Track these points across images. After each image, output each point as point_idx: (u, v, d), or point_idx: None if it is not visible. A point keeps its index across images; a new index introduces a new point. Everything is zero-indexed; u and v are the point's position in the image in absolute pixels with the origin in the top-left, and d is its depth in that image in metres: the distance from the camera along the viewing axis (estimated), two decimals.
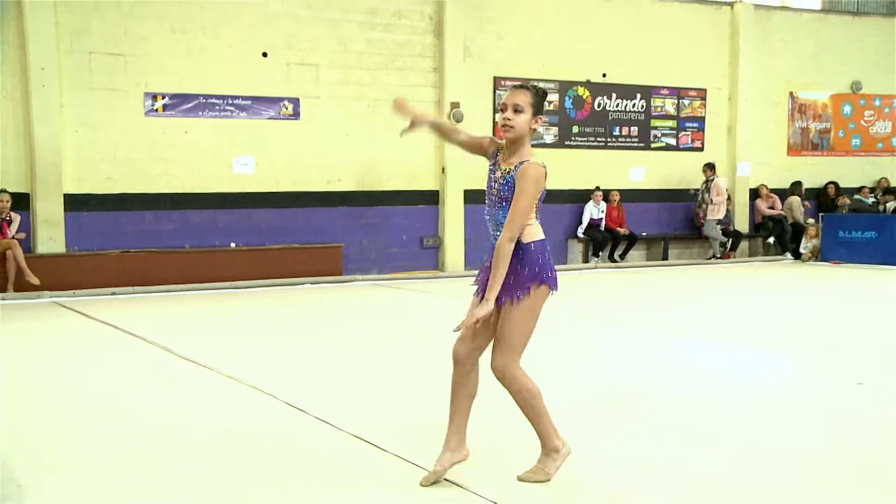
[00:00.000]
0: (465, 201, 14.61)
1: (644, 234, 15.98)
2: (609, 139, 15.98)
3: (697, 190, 16.29)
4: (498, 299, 3.70)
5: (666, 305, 10.48)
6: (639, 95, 16.11)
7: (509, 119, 3.77)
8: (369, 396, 5.73)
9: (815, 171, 17.82)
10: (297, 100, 13.43)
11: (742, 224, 17.07)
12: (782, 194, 17.20)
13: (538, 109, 3.81)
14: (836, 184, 17.58)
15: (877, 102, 18.65)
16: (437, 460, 3.90)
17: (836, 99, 18.25)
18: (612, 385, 5.95)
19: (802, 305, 10.43)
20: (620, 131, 16.05)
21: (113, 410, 5.34)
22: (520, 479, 3.94)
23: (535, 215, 3.80)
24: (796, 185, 17.13)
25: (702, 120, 16.78)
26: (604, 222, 15.52)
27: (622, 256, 15.69)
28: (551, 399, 4.04)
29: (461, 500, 3.76)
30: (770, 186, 17.21)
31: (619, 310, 9.94)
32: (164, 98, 12.54)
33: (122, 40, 12.26)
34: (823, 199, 17.53)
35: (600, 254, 15.45)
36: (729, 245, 16.32)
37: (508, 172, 3.76)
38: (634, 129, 16.17)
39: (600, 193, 15.43)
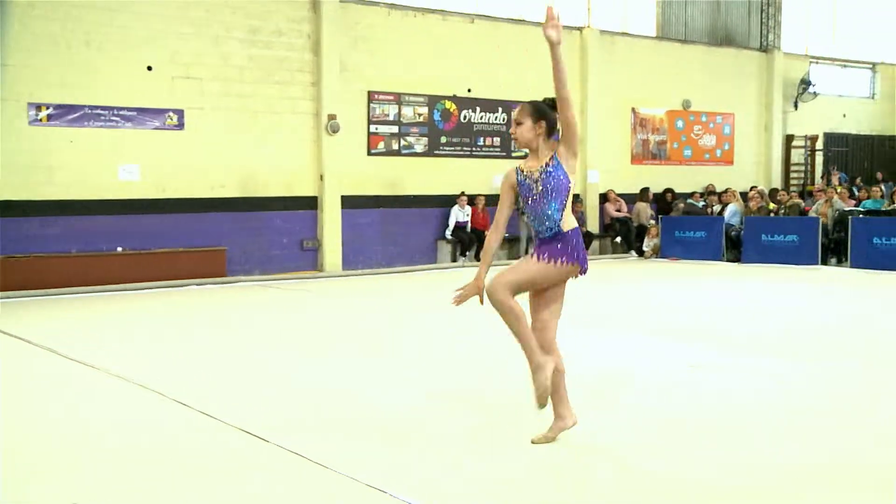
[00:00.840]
0: (343, 206, 14.60)
1: (507, 234, 16.23)
2: (474, 148, 16.26)
3: None
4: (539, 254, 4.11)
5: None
6: (500, 109, 16.45)
7: (513, 132, 4.22)
8: (253, 392, 5.66)
9: (655, 178, 18.56)
10: (182, 111, 13.08)
11: (593, 225, 17.66)
12: (628, 198, 17.88)
13: (540, 115, 4.14)
14: (672, 190, 18.39)
15: (703, 118, 19.60)
16: (550, 427, 4.25)
17: (671, 114, 19.07)
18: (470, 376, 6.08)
19: (644, 295, 10.84)
20: (484, 141, 16.36)
21: None
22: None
23: (570, 207, 4.17)
24: (644, 191, 17.84)
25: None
26: (469, 224, 15.78)
27: None
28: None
29: (339, 484, 3.79)
30: (617, 191, 17.88)
31: None
32: (48, 108, 11.97)
33: (5, 52, 11.63)
34: (662, 203, 18.26)
35: (467, 253, 15.69)
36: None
37: (546, 167, 4.12)
38: (497, 140, 16.50)
39: (465, 198, 15.68)
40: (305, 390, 5.57)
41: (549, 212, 4.13)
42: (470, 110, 16.12)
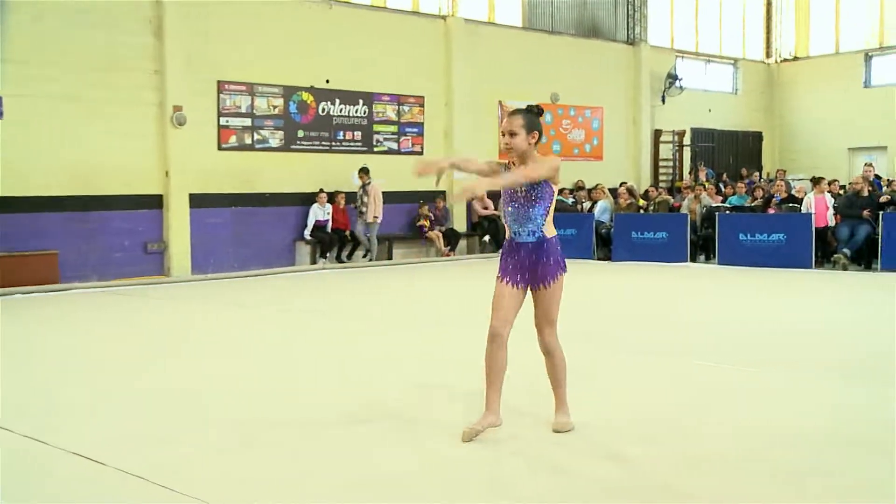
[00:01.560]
0: (191, 205, 14.11)
1: (368, 235, 16.20)
2: (333, 143, 16.08)
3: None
4: (534, 284, 4.45)
5: (382, 301, 10.71)
6: (361, 101, 16.35)
7: (508, 143, 4.40)
8: (85, 411, 5.35)
9: None
10: (0, 98, 12.27)
11: (460, 224, 17.82)
12: (496, 196, 18.12)
13: (532, 126, 4.40)
14: None
15: (572, 112, 20.15)
16: (479, 420, 4.45)
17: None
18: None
19: None
20: (344, 135, 16.21)
21: None
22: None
23: (552, 214, 4.48)
24: None
25: (421, 125, 17.31)
26: (330, 224, 15.59)
27: (349, 257, 15.85)
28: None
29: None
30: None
31: (346, 306, 10.03)
32: None
33: None
34: None
35: (328, 255, 15.50)
36: (445, 245, 16.96)
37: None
38: (358, 134, 16.39)
39: (325, 196, 15.48)
40: (141, 404, 5.31)
41: (533, 216, 4.42)
42: (329, 102, 15.93)
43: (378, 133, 16.64)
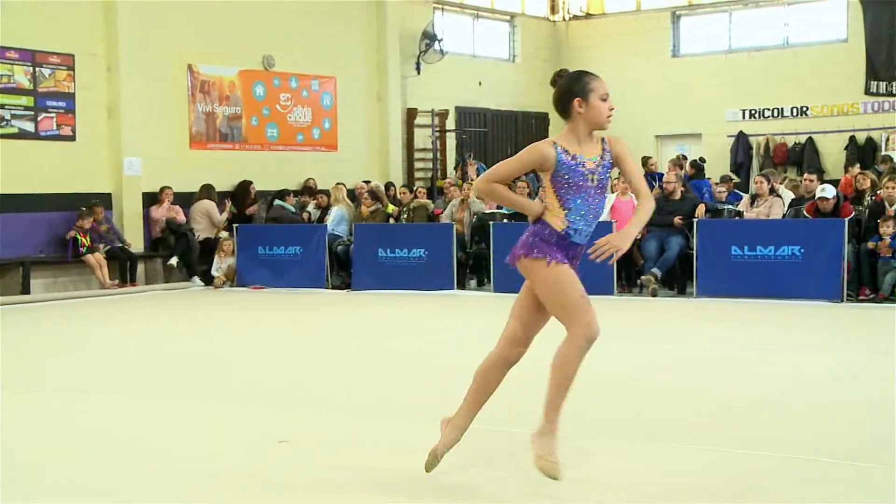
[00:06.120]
0: None
1: None
2: None
3: None
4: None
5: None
6: None
7: (612, 109, 5.10)
8: None
9: (228, 169, 18.43)
10: None
11: (136, 240, 16.92)
12: (185, 199, 17.43)
13: None
14: (250, 185, 18.35)
15: (293, 84, 19.92)
16: (443, 441, 5.16)
17: (247, 77, 19.09)
18: None
19: (179, 346, 10.58)
20: None
21: None
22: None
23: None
24: (208, 189, 17.46)
25: (71, 98, 16.40)
26: None
27: None
28: None
29: None
30: (174, 189, 17.36)
31: None
32: None
33: None
34: (237, 206, 18.13)
35: None
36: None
37: (603, 158, 5.09)
38: None
39: None
40: None
41: (601, 211, 5.16)
42: None
43: (2, 107, 15.50)
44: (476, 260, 15.64)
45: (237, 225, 16.93)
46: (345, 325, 12.19)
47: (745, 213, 14.48)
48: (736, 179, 19.32)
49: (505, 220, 15.58)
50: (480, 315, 12.57)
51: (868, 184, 14.59)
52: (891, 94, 19.67)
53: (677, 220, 14.20)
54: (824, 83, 22.18)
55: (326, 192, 17.81)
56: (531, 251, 5.01)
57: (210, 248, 16.99)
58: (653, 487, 5.19)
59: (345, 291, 15.51)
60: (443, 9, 23.37)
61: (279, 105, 19.64)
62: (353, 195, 17.68)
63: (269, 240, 16.43)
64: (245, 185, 18.34)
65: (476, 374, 5.24)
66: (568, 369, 4.92)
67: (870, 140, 22.06)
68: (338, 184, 17.68)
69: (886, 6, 17.12)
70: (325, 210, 17.25)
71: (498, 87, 24.68)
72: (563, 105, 5.05)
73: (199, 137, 18.36)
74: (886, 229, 12.66)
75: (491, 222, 15.19)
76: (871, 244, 12.82)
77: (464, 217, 15.96)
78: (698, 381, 8.16)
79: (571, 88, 5.02)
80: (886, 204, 12.94)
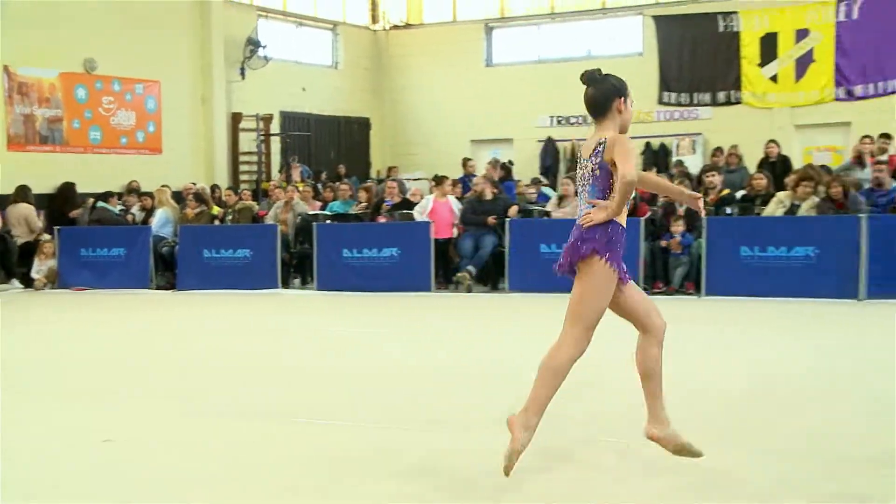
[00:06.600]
0: None
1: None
2: None
3: None
4: (573, 261, 4.85)
5: None
6: None
7: None
8: None
9: (49, 172, 17.76)
10: None
11: None
12: (4, 202, 16.64)
13: None
14: (72, 187, 17.74)
15: (116, 87, 19.38)
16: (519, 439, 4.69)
17: (68, 79, 18.51)
18: None
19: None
20: None
21: None
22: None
23: None
24: (23, 190, 16.60)
25: None
26: None
27: None
28: None
29: None
30: None
31: None
32: None
33: None
34: (61, 208, 17.48)
35: None
36: None
37: (594, 150, 4.88)
38: None
39: None
40: None
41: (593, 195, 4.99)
42: None
43: None
44: (300, 259, 15.44)
45: (58, 227, 16.12)
46: (170, 324, 11.87)
47: (552, 212, 14.58)
48: (545, 182, 19.51)
49: (328, 221, 15.38)
50: (305, 313, 12.54)
51: None
52: (681, 105, 20.21)
53: (490, 219, 14.28)
54: None
55: (151, 195, 17.19)
56: (612, 254, 4.80)
57: (30, 251, 16.16)
58: None
59: (170, 292, 15.05)
60: (266, 16, 23.16)
61: (102, 108, 19.14)
62: (178, 197, 17.15)
63: (93, 241, 15.84)
64: (67, 188, 17.72)
65: (546, 372, 4.80)
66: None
67: (663, 146, 22.77)
68: (162, 186, 17.22)
69: (676, 25, 17.60)
70: (149, 212, 16.70)
71: (321, 93, 24.53)
72: (606, 102, 4.83)
73: (18, 139, 17.78)
74: (677, 228, 13.04)
75: (314, 223, 15.03)
76: (663, 242, 13.14)
77: (288, 218, 15.75)
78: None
79: (617, 87, 4.86)
80: (677, 205, 13.19)
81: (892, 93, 15.44)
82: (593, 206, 4.80)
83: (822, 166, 15.56)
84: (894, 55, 15.18)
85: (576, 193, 5.02)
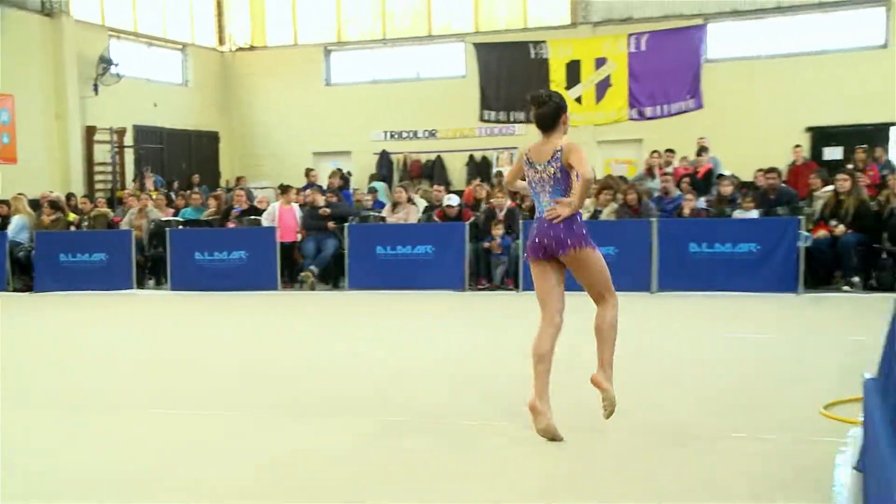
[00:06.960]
0: None
1: None
2: None
3: None
4: (556, 252, 5.51)
5: None
6: None
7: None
8: None
9: None
10: None
11: None
12: None
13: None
14: None
15: None
16: (544, 414, 5.36)
17: None
18: None
19: None
20: None
21: None
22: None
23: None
24: None
25: None
26: None
27: None
28: None
29: None
30: None
31: None
32: None
33: None
34: None
35: None
36: None
37: (553, 156, 5.46)
38: None
39: None
40: None
41: (557, 196, 5.52)
42: None
43: None
44: (154, 262, 15.39)
45: None
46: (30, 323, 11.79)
47: (387, 218, 14.98)
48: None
49: (181, 227, 15.53)
50: (159, 310, 12.65)
51: (484, 194, 15.53)
52: (499, 122, 21.05)
53: (331, 224, 14.63)
54: (449, 111, 23.38)
55: (7, 203, 16.87)
56: (590, 240, 5.50)
57: None
58: None
59: (27, 294, 14.82)
60: (119, 36, 22.81)
61: None
62: (35, 205, 16.92)
63: None
64: None
65: (538, 355, 5.46)
66: (616, 326, 5.56)
67: (485, 158, 23.86)
68: (18, 194, 16.78)
69: (494, 51, 18.46)
70: (6, 219, 16.40)
71: (172, 109, 24.33)
72: (556, 118, 5.47)
73: None
74: (497, 231, 13.50)
75: (168, 228, 15.09)
76: (486, 243, 13.57)
77: (142, 224, 15.71)
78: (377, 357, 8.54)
79: (562, 105, 5.50)
80: (497, 210, 13.83)
81: (676, 114, 16.76)
82: (556, 204, 5.42)
83: (620, 177, 16.44)
84: (676, 82, 16.56)
85: (532, 192, 5.64)
